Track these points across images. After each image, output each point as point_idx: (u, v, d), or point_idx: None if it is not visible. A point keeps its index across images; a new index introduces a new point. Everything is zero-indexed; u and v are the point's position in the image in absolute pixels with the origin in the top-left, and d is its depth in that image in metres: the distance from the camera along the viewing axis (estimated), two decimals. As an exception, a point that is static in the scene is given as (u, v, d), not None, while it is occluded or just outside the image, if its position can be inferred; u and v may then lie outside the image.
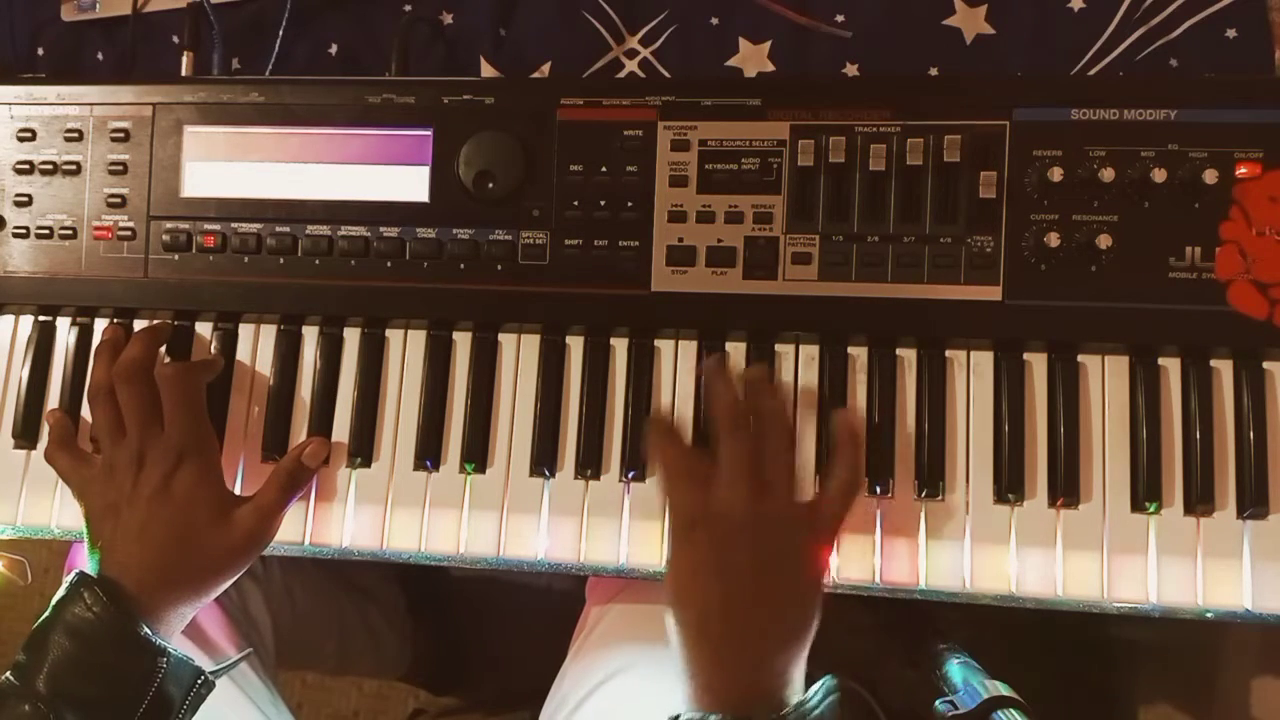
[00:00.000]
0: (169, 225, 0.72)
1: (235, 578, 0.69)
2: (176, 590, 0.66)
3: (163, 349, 0.73)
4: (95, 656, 0.62)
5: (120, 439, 0.67)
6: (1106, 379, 0.66)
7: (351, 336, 0.72)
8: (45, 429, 0.73)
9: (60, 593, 0.64)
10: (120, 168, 0.72)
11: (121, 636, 0.62)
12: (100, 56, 0.89)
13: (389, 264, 0.70)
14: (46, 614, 0.63)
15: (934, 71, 0.78)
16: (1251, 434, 0.64)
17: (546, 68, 0.83)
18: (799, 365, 0.68)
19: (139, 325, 0.74)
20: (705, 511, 0.61)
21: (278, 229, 0.71)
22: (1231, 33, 0.75)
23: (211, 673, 0.68)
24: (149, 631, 0.63)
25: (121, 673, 0.62)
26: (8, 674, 0.62)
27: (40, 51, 0.90)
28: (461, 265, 0.69)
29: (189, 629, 0.78)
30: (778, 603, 0.60)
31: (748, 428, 0.63)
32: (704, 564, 0.60)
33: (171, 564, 0.65)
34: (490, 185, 0.69)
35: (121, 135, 0.72)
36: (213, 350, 0.73)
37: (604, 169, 0.68)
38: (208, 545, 0.66)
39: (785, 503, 0.62)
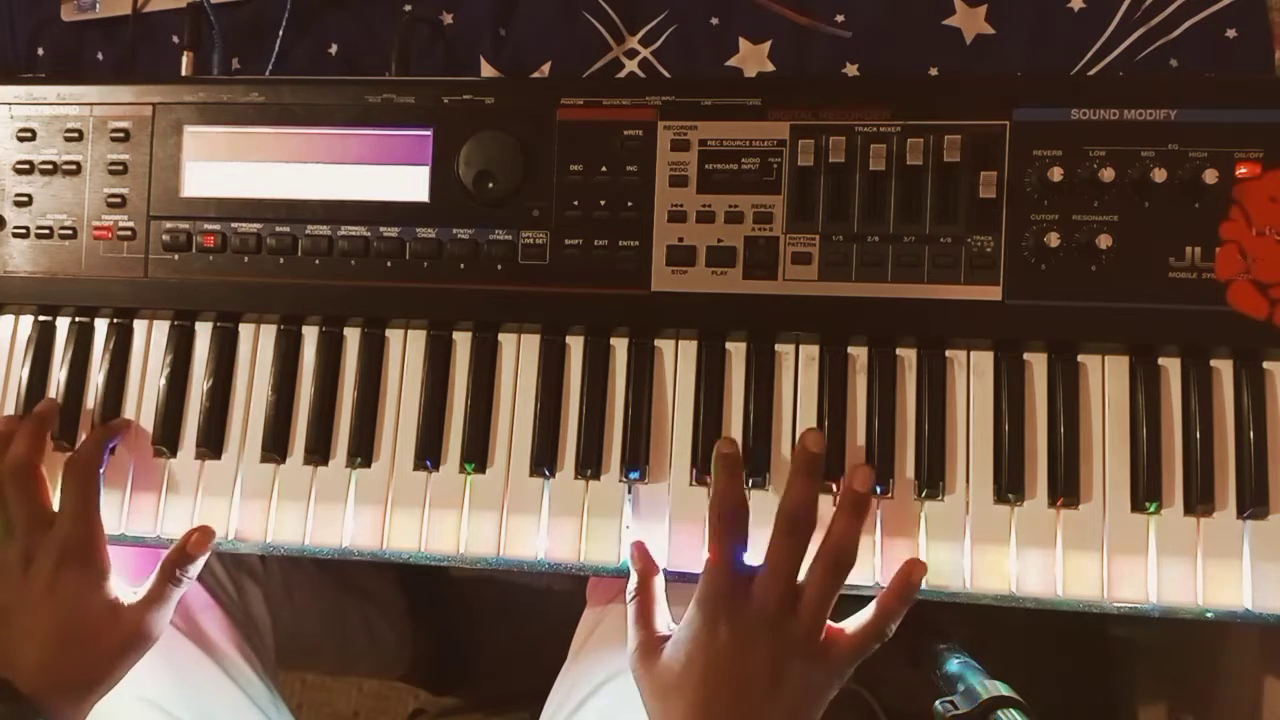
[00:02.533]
0: (169, 225, 0.72)
1: (132, 667, 0.68)
2: (71, 689, 0.66)
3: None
4: None
5: (9, 539, 0.68)
6: (1106, 379, 0.66)
7: (351, 336, 0.72)
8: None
9: None
10: (120, 168, 0.72)
11: None
12: (100, 56, 0.89)
13: (389, 264, 0.70)
14: None
15: (934, 71, 0.78)
16: (1251, 434, 0.64)
17: (546, 68, 0.83)
18: (799, 365, 0.68)
19: (139, 325, 0.74)
20: (739, 601, 0.60)
21: (278, 229, 0.71)
22: (1231, 33, 0.75)
23: None
24: None
25: None
26: None
27: (40, 51, 0.90)
28: (461, 265, 0.69)
29: (189, 630, 0.78)
30: (785, 713, 0.59)
31: (807, 535, 0.62)
32: (722, 654, 0.60)
33: (64, 663, 0.65)
34: (490, 185, 0.69)
35: (121, 135, 0.72)
36: (210, 352, 0.73)
37: (604, 169, 0.68)
38: (99, 642, 0.67)
39: (812, 625, 0.61)
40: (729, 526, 0.62)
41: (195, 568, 0.70)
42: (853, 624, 0.62)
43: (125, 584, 0.69)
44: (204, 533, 0.70)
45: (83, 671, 0.66)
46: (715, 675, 0.59)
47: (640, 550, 0.66)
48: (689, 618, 0.62)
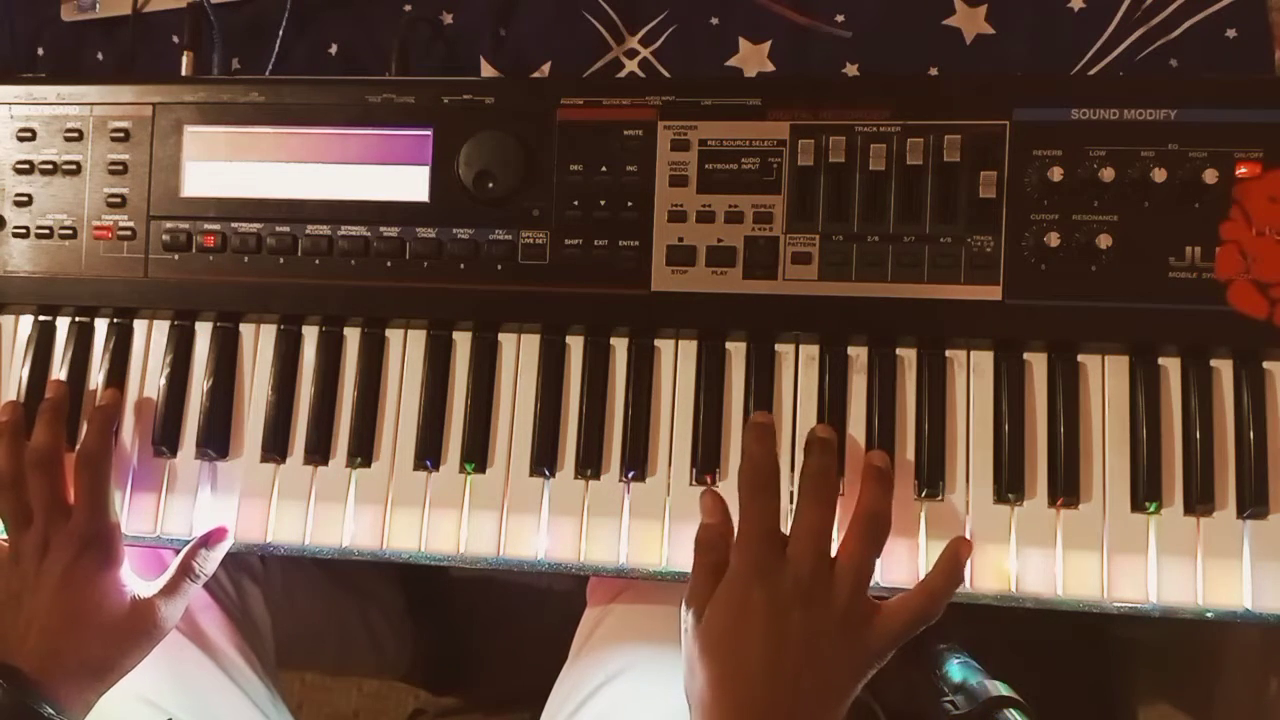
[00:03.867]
0: (169, 225, 0.72)
1: (141, 660, 0.69)
2: (79, 678, 0.66)
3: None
4: None
5: (26, 527, 0.68)
6: (1106, 379, 0.66)
7: (351, 336, 0.72)
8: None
9: None
10: (120, 167, 0.72)
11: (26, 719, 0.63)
12: (100, 56, 0.89)
13: (389, 264, 0.70)
14: None
15: (934, 71, 0.78)
16: (1251, 434, 0.64)
17: (546, 68, 0.83)
18: (799, 365, 0.68)
19: (139, 325, 0.74)
20: (771, 566, 0.60)
21: (278, 229, 0.71)
22: (1231, 33, 0.75)
23: None
24: (53, 712, 0.63)
25: None
26: None
27: (40, 51, 0.90)
28: (461, 265, 0.69)
29: (189, 630, 0.78)
30: (821, 685, 0.58)
31: (833, 502, 0.62)
32: (759, 624, 0.59)
33: (73, 652, 0.66)
34: (490, 185, 0.69)
35: (121, 135, 0.72)
36: (211, 351, 0.73)
37: (604, 169, 0.68)
38: (110, 632, 0.67)
39: (853, 591, 0.60)
40: (762, 493, 0.62)
41: (213, 563, 0.70)
42: (896, 602, 0.61)
43: (138, 577, 0.70)
44: (220, 530, 0.71)
45: (92, 661, 0.67)
46: (747, 645, 0.58)
47: (712, 499, 0.65)
48: (723, 585, 0.61)
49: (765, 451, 0.63)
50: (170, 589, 0.69)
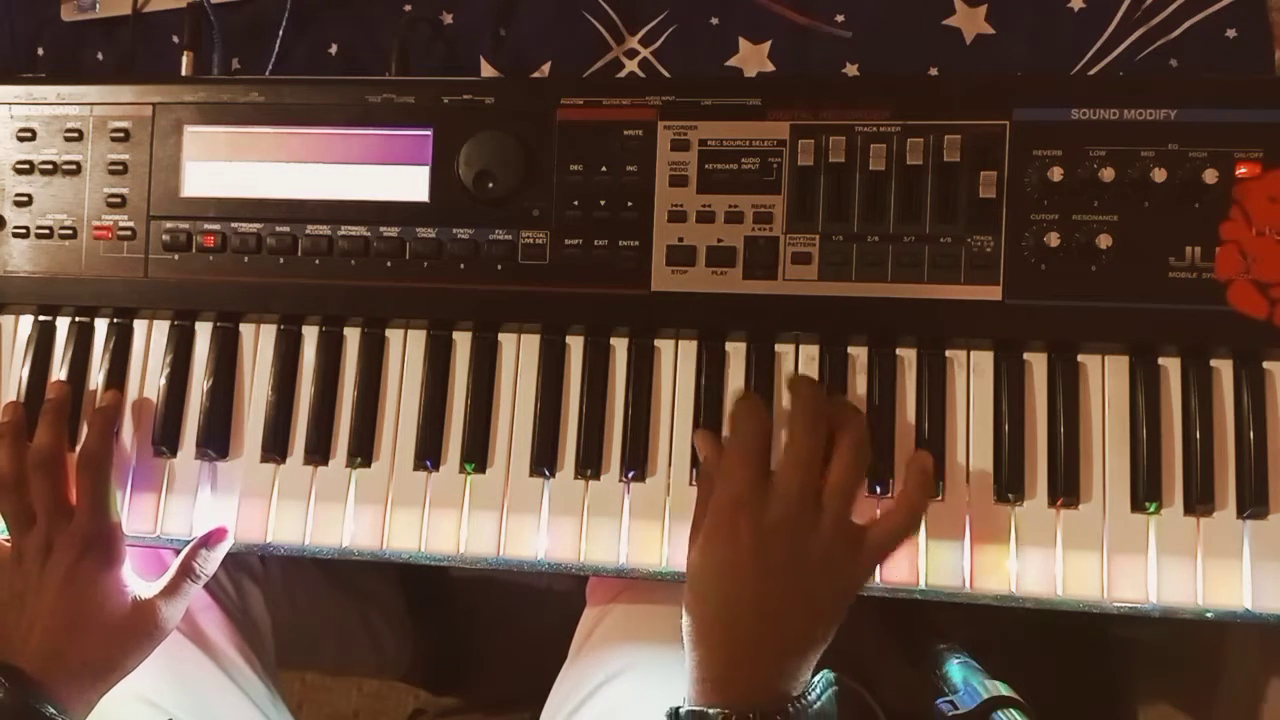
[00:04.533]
0: (169, 225, 0.72)
1: (143, 661, 0.69)
2: (81, 679, 0.66)
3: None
4: None
5: (29, 528, 0.68)
6: (1106, 379, 0.66)
7: (351, 336, 0.72)
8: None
9: None
10: (120, 168, 0.72)
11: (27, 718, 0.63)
12: (100, 56, 0.89)
13: (389, 264, 0.70)
14: None
15: (934, 71, 0.78)
16: (1251, 434, 0.64)
17: (546, 68, 0.83)
18: (799, 365, 0.68)
19: (139, 325, 0.74)
20: (756, 495, 0.59)
21: (278, 229, 0.71)
22: (1231, 33, 0.75)
23: None
24: (54, 712, 0.63)
25: None
26: None
27: (40, 51, 0.90)
28: (461, 265, 0.69)
29: (189, 630, 0.78)
30: (809, 611, 0.59)
31: (824, 433, 0.62)
32: (741, 555, 0.59)
33: (75, 652, 0.66)
34: (490, 185, 0.69)
35: (121, 135, 0.72)
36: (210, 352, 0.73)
37: (604, 169, 0.68)
38: (112, 632, 0.67)
39: (838, 515, 0.60)
40: (747, 419, 0.62)
41: (213, 564, 0.71)
42: (878, 523, 0.62)
43: (139, 577, 0.70)
44: (220, 531, 0.71)
45: (94, 661, 0.67)
46: (734, 579, 0.58)
47: (706, 436, 0.66)
48: (710, 517, 0.61)
49: (752, 399, 0.64)
50: (171, 589, 0.69)
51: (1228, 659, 0.92)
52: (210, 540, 0.70)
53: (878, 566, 0.62)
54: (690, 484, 0.68)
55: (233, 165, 0.72)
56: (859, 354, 0.68)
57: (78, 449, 0.70)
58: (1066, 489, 0.64)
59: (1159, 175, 0.62)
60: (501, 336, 0.71)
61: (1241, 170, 0.63)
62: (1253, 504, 0.63)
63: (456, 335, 0.71)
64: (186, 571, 0.70)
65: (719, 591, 0.59)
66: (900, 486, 0.64)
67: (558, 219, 0.69)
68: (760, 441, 0.62)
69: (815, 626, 0.59)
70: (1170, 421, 0.65)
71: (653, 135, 0.68)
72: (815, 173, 0.66)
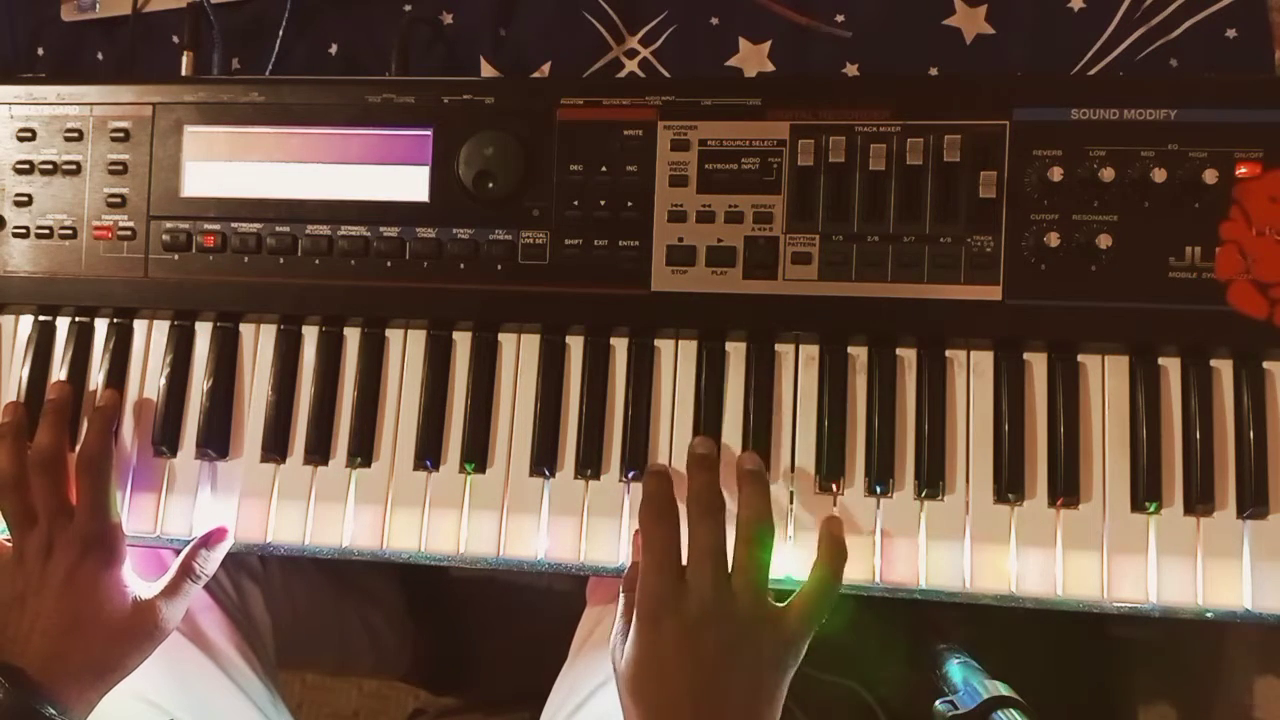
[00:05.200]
0: (169, 225, 0.72)
1: (143, 661, 0.69)
2: (82, 679, 0.66)
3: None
4: None
5: (30, 528, 0.68)
6: (1106, 379, 0.66)
7: (351, 336, 0.72)
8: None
9: None
10: (120, 168, 0.72)
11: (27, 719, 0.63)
12: (100, 56, 0.89)
13: (389, 264, 0.70)
14: None
15: (934, 71, 0.78)
16: (1251, 434, 0.64)
17: (546, 68, 0.83)
18: (799, 365, 0.68)
19: (139, 325, 0.74)
20: (677, 599, 0.60)
21: (278, 229, 0.71)
22: (1231, 33, 0.75)
23: None
24: (55, 713, 0.63)
25: None
26: None
27: (40, 51, 0.90)
28: (461, 265, 0.69)
29: (189, 631, 0.78)
30: (747, 695, 0.59)
31: (721, 515, 0.62)
32: (673, 654, 0.60)
33: (76, 653, 0.66)
34: (490, 185, 0.69)
35: (121, 135, 0.72)
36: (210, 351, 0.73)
37: (604, 169, 0.68)
38: (113, 633, 0.67)
39: (753, 598, 0.61)
40: (657, 525, 0.63)
41: (214, 564, 0.71)
42: (797, 597, 0.62)
43: (140, 577, 0.70)
44: (220, 531, 0.71)
45: (94, 662, 0.67)
46: (667, 679, 0.59)
47: (635, 539, 0.66)
48: (634, 624, 0.62)
49: (659, 485, 0.64)
50: (171, 590, 0.69)
51: (1228, 659, 0.92)
52: (210, 540, 0.70)
53: (808, 638, 0.61)
54: (690, 484, 0.68)
55: (233, 165, 0.72)
56: (859, 354, 0.68)
57: (77, 449, 0.70)
58: (1066, 489, 0.64)
59: (1159, 175, 0.62)
60: (501, 336, 0.71)
61: (1241, 170, 0.63)
62: (1253, 504, 0.63)
63: (456, 335, 0.71)
64: (187, 572, 0.70)
65: (657, 694, 0.60)
66: (818, 553, 0.63)
67: (558, 219, 0.69)
68: (670, 544, 0.62)
69: (757, 709, 0.60)
70: (1170, 421, 0.65)
71: (653, 135, 0.68)
72: (815, 173, 0.66)
